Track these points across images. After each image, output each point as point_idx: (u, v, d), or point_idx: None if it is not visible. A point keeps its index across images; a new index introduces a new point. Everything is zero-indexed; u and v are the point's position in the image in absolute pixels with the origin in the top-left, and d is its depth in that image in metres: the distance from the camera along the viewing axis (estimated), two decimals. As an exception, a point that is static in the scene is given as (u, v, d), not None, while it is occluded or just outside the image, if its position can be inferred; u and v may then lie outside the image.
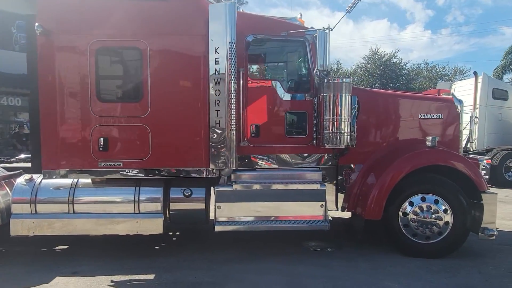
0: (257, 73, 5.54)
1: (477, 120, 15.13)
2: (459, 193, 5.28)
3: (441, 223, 5.29)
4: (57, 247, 5.79)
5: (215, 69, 4.96)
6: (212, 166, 5.10)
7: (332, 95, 5.19)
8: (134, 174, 5.12)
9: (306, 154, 5.56)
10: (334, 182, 5.73)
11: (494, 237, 5.26)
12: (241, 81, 5.26)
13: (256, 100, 5.43)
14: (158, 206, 5.15)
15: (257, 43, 5.41)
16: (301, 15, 5.82)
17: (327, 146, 5.31)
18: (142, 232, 5.14)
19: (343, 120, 5.24)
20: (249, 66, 5.40)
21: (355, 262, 5.17)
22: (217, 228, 5.10)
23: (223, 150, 5.05)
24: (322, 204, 5.27)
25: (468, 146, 15.43)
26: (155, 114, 5.06)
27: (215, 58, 4.95)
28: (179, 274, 4.71)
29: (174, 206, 5.23)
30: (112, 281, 4.51)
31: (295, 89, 5.53)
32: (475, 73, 17.15)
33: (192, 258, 5.26)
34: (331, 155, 5.61)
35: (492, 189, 5.63)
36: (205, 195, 5.27)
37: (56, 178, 5.07)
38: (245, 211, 5.21)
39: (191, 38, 5.08)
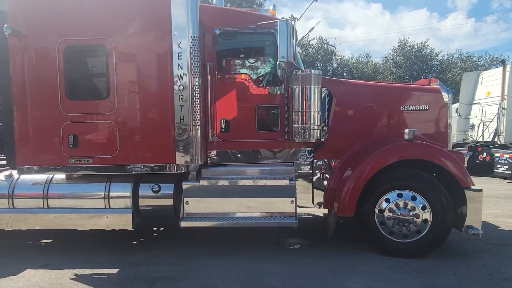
0: (226, 67, 5.43)
1: (505, 111, 14.21)
2: (438, 189, 4.96)
3: (418, 221, 4.99)
4: (41, 241, 6.01)
5: (178, 64, 4.92)
6: (178, 161, 5.08)
7: (300, 88, 5.02)
8: (103, 171, 5.21)
9: (279, 149, 5.42)
10: (310, 177, 5.54)
11: (479, 236, 4.89)
12: (208, 76, 5.21)
13: (226, 94, 5.34)
14: (128, 202, 5.22)
15: (225, 37, 5.30)
16: (274, 6, 5.66)
17: (296, 141, 5.15)
18: (113, 227, 5.23)
19: (312, 113, 5.05)
20: (218, 60, 5.31)
21: (325, 260, 4.99)
22: (183, 224, 5.07)
23: (188, 145, 5.02)
24: (292, 201, 5.12)
25: (496, 139, 14.54)
26: (122, 111, 5.10)
27: (178, 53, 4.91)
28: (142, 269, 4.74)
29: (143, 202, 5.27)
30: (75, 275, 4.61)
31: (266, 83, 5.39)
32: (503, 61, 16.11)
33: (163, 254, 5.29)
34: (305, 149, 5.44)
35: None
36: (173, 191, 5.26)
37: (30, 174, 5.26)
38: (212, 207, 5.16)
39: (156, 33, 5.06)
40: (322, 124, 5.17)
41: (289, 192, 5.13)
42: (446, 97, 5.65)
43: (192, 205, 5.16)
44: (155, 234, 6.34)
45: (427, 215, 4.98)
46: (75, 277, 4.56)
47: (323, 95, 5.21)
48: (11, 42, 5.06)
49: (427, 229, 4.99)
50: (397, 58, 37.03)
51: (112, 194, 5.23)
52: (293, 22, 4.83)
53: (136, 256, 5.20)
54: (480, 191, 4.97)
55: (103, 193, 5.23)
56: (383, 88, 5.95)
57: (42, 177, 5.34)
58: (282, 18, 4.94)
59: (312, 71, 5.09)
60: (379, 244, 5.17)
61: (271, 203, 5.13)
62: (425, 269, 4.65)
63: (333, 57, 40.62)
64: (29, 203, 5.27)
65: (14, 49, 5.08)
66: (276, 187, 5.16)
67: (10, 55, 5.10)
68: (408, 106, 5.60)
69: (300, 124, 5.06)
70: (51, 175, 5.36)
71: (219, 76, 5.29)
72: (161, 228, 6.64)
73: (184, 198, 5.16)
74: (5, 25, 4.95)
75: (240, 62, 5.51)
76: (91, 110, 5.14)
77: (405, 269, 4.66)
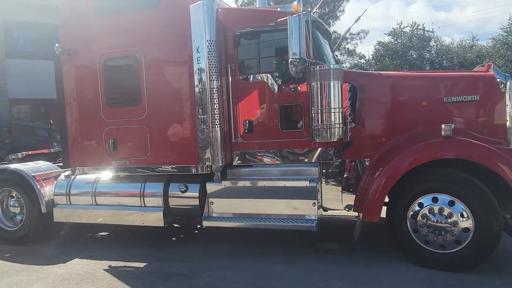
0: (248, 68, 5.39)
1: None
2: (481, 193, 4.25)
3: (456, 229, 4.34)
4: (98, 233, 6.75)
5: (198, 68, 5.08)
6: (201, 163, 5.24)
7: (319, 84, 4.75)
8: (138, 171, 5.64)
9: (304, 149, 5.21)
10: (339, 179, 5.21)
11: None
12: (230, 78, 5.26)
13: (248, 95, 5.32)
14: (159, 201, 5.55)
15: (245, 37, 5.28)
16: (299, 0, 5.42)
17: (317, 140, 4.88)
18: (148, 224, 5.61)
19: (332, 111, 4.74)
20: (239, 61, 5.32)
21: (348, 267, 4.65)
22: (205, 223, 5.23)
23: (208, 147, 5.14)
24: (314, 203, 4.89)
25: None
26: (151, 116, 5.45)
27: (197, 58, 5.07)
28: (166, 265, 5.01)
29: (172, 201, 5.55)
30: (109, 266, 5.09)
31: (288, 81, 5.21)
32: None
33: (192, 252, 5.50)
34: (332, 149, 5.13)
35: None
36: (198, 191, 5.43)
37: (83, 174, 5.95)
38: (233, 207, 5.20)
39: (178, 40, 5.29)
40: (346, 121, 4.83)
41: (310, 193, 4.91)
42: (503, 84, 4.78)
43: (216, 205, 5.28)
44: (195, 231, 6.61)
45: (467, 223, 4.29)
46: (108, 268, 5.03)
47: (346, 90, 4.86)
48: (62, 59, 5.79)
49: (468, 240, 4.30)
50: (509, 38, 32.17)
51: (146, 193, 5.63)
52: (309, 16, 4.61)
53: (167, 252, 5.51)
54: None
55: (139, 191, 5.65)
56: (419, 78, 5.27)
57: (92, 177, 5.99)
58: (300, 10, 4.74)
59: (331, 66, 4.78)
60: (413, 254, 4.62)
61: (291, 205, 4.97)
62: (462, 285, 4.03)
63: (430, 43, 37.16)
64: (81, 200, 5.96)
65: (65, 65, 5.81)
66: (296, 188, 4.98)
67: (63, 70, 5.84)
68: (452, 98, 4.88)
69: (319, 123, 4.78)
70: (98, 175, 5.98)
71: (241, 77, 5.30)
72: (203, 226, 6.89)
73: (209, 198, 5.30)
74: (56, 45, 5.69)
75: (262, 62, 5.41)
76: (126, 116, 5.59)
77: (436, 284, 4.10)
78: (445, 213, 4.39)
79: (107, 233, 6.76)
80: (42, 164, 6.67)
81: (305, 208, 4.91)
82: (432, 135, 4.66)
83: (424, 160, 4.40)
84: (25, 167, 6.37)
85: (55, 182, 6.30)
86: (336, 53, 34.58)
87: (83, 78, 5.76)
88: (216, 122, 5.10)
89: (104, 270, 4.97)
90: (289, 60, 4.62)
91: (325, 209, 5.66)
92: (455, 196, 4.37)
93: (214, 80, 5.05)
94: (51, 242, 6.22)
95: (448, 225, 4.38)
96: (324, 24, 6.02)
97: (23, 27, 17.51)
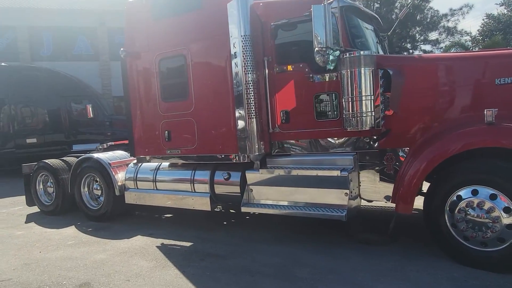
0: (285, 59, 5.45)
1: None
2: (528, 187, 3.76)
3: (498, 225, 3.92)
4: (164, 215, 7.55)
5: (234, 63, 5.38)
6: (239, 153, 5.55)
7: (349, 72, 4.67)
8: (188, 160, 6.19)
9: (340, 138, 5.16)
10: (376, 168, 5.04)
11: None
12: (267, 70, 5.45)
13: (285, 86, 5.43)
14: (206, 187, 6.03)
15: (281, 29, 5.40)
16: (335, -13, 5.32)
17: (348, 129, 4.81)
18: (197, 208, 6.14)
19: (363, 99, 4.62)
20: (276, 53, 5.45)
21: (377, 260, 4.52)
22: (243, 209, 5.53)
23: (245, 137, 5.42)
24: (346, 193, 4.84)
25: None
26: (198, 109, 5.93)
27: (234, 52, 5.36)
28: (208, 246, 5.46)
29: (217, 187, 5.97)
30: (161, 244, 5.73)
31: (322, 70, 5.17)
32: None
33: (235, 235, 5.85)
34: (368, 138, 4.99)
35: None
36: (240, 179, 5.75)
37: (144, 163, 6.74)
38: (269, 195, 5.41)
39: (219, 38, 5.61)
40: (379, 109, 4.66)
41: (341, 183, 4.86)
42: None
43: (254, 192, 5.55)
44: (247, 217, 6.95)
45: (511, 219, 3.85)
46: (160, 245, 5.67)
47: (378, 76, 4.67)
48: (127, 61, 6.60)
49: (513, 238, 3.86)
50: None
51: (196, 179, 6.15)
52: (338, 2, 4.55)
53: (215, 235, 5.96)
54: None
55: (190, 178, 6.21)
56: (462, 59, 4.74)
57: (154, 165, 6.74)
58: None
59: (361, 53, 4.63)
60: (451, 251, 4.31)
61: (323, 194, 5.00)
62: (499, 287, 3.66)
63: None
64: (145, 185, 6.76)
65: (129, 67, 6.61)
66: (328, 178, 4.97)
67: (128, 72, 6.65)
68: (505, 79, 4.34)
69: (350, 111, 4.71)
70: (159, 164, 6.70)
71: (277, 69, 5.43)
72: (256, 213, 7.21)
73: (248, 186, 5.60)
74: (121, 49, 6.51)
75: (297, 52, 5.46)
76: (177, 109, 6.15)
77: (471, 283, 3.79)
78: (486, 207, 4.00)
79: (171, 215, 7.51)
80: (118, 153, 7.68)
81: (336, 198, 4.89)
82: (476, 122, 4.24)
83: (458, 149, 4.05)
84: (104, 155, 7.42)
85: (126, 168, 7.24)
86: (434, 32, 31.48)
87: (143, 77, 6.49)
88: (252, 114, 5.34)
89: (156, 246, 5.63)
90: (315, 50, 4.63)
91: (369, 201, 5.55)
92: (497, 189, 3.94)
93: (249, 73, 5.29)
94: (124, 221, 7.19)
95: (489, 221, 3.97)
96: (366, 9, 5.79)
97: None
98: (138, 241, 5.96)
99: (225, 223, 6.74)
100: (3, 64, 15.35)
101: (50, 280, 4.58)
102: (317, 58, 4.66)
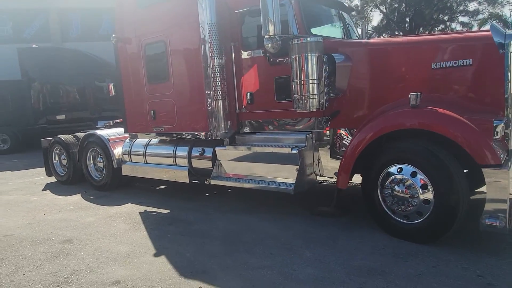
0: (249, 44, 5.86)
1: None
2: (441, 166, 4.08)
3: (417, 201, 4.28)
4: (159, 187, 8.34)
5: (203, 48, 5.88)
6: (210, 130, 6.13)
7: (297, 58, 5.04)
8: (170, 137, 6.85)
9: (296, 119, 5.59)
10: (328, 147, 5.45)
11: (495, 228, 3.80)
12: (233, 54, 5.92)
13: (250, 69, 5.90)
14: (185, 161, 6.70)
15: (244, 16, 5.81)
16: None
17: (297, 111, 5.22)
18: (178, 180, 6.83)
19: (310, 82, 5.00)
20: (242, 38, 5.89)
21: (319, 230, 5.01)
22: (212, 182, 6.15)
23: (213, 116, 5.97)
24: (296, 168, 5.32)
25: None
26: (176, 91, 6.52)
27: (202, 38, 5.86)
28: (181, 213, 6.16)
29: (194, 162, 6.61)
30: (145, 211, 6.51)
31: (280, 54, 5.55)
32: None
33: (209, 205, 6.51)
34: (321, 119, 5.39)
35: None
36: (212, 154, 6.34)
37: (140, 139, 7.49)
38: (233, 169, 6.00)
39: (192, 25, 6.08)
40: (322, 93, 5.02)
41: (293, 159, 5.33)
42: (502, 45, 4.25)
43: (223, 166, 6.15)
44: (229, 190, 7.56)
45: (428, 195, 4.20)
46: (142, 212, 6.45)
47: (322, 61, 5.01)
48: (117, 46, 7.26)
49: (429, 212, 4.22)
50: None
51: (177, 154, 6.83)
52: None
53: (194, 204, 6.63)
54: (505, 170, 3.77)
55: (172, 153, 6.89)
56: (401, 44, 4.93)
57: (145, 141, 7.48)
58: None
59: (308, 39, 4.97)
60: (382, 222, 4.72)
61: (276, 169, 5.50)
62: (410, 255, 4.08)
63: None
64: (137, 159, 7.54)
65: (120, 51, 7.28)
66: (282, 154, 5.45)
67: (119, 56, 7.33)
68: (441, 63, 4.56)
69: (299, 94, 5.11)
70: (149, 140, 7.43)
71: (243, 53, 5.88)
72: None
73: (218, 161, 6.20)
74: (112, 35, 7.17)
75: (258, 38, 5.84)
76: (160, 91, 6.78)
77: (386, 251, 4.22)
78: (407, 183, 4.36)
79: (165, 187, 8.30)
80: (119, 129, 8.47)
81: (288, 173, 5.38)
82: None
83: (387, 130, 4.39)
84: (105, 132, 8.27)
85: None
86: (473, 3, 29.58)
87: (132, 61, 7.14)
88: (219, 96, 5.87)
89: (139, 212, 6.41)
90: (264, 37, 5.03)
91: (330, 177, 5.98)
92: (417, 167, 4.28)
93: (216, 58, 5.78)
94: (122, 190, 8.07)
95: (409, 196, 4.34)
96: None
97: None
98: (126, 207, 6.79)
99: (207, 194, 7.42)
100: (34, 46, 16.63)
101: (42, 237, 5.48)
102: (266, 45, 5.07)
